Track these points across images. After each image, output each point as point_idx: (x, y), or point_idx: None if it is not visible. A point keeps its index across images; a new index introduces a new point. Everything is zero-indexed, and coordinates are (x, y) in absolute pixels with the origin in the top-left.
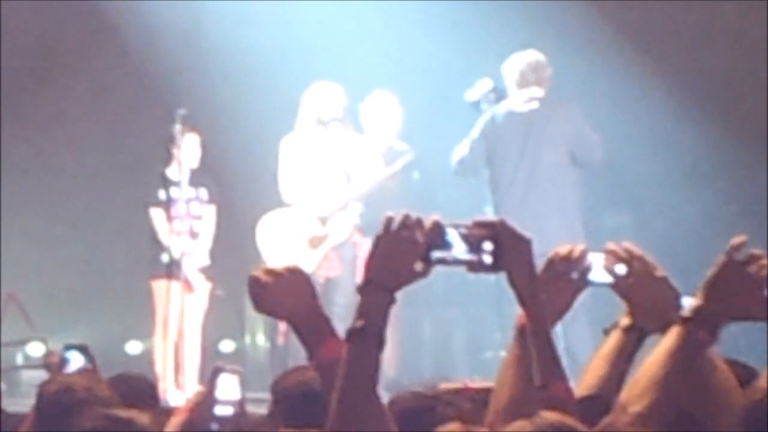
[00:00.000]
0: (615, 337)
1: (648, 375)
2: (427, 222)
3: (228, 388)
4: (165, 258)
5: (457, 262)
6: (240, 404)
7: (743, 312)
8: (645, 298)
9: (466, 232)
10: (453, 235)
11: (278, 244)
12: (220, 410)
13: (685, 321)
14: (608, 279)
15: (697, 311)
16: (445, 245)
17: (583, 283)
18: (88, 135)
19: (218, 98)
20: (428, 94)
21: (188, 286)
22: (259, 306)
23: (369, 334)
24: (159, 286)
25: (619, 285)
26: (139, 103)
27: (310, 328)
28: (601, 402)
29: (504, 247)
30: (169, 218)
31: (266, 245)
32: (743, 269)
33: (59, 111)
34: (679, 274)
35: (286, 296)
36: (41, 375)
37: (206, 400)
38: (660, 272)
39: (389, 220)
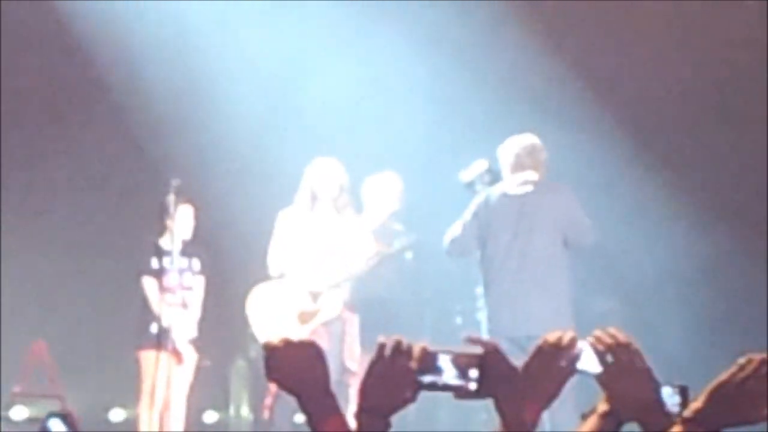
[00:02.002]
0: (592, 422)
1: None
2: (416, 348)
3: None
4: (154, 328)
5: (446, 387)
6: None
7: (741, 419)
8: (624, 387)
9: (454, 358)
10: (443, 361)
11: (268, 317)
12: None
13: (685, 421)
14: (597, 369)
15: (698, 412)
16: (436, 370)
17: (572, 371)
18: (79, 203)
19: (212, 170)
20: (422, 174)
21: (177, 356)
22: (271, 375)
23: None
24: (147, 356)
25: (600, 374)
26: (134, 173)
27: (317, 404)
28: None
29: (489, 375)
30: (161, 288)
31: (256, 317)
32: (745, 383)
33: (52, 180)
34: (665, 360)
35: (299, 369)
36: None
37: None
38: (642, 363)
39: (382, 347)
